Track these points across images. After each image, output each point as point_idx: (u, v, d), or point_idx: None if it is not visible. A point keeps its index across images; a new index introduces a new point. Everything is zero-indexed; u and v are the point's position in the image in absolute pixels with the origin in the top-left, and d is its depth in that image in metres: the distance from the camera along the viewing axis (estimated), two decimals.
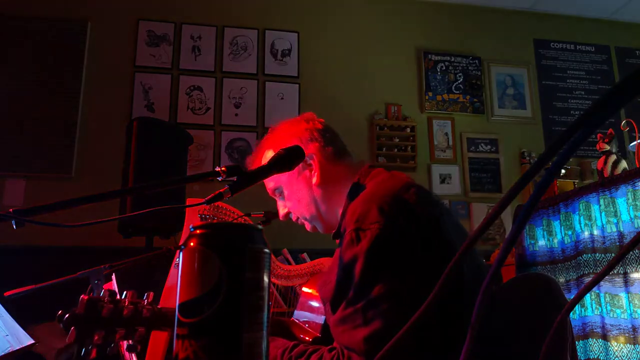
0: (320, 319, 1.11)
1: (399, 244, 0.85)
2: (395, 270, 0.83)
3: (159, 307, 0.70)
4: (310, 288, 1.27)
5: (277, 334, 1.13)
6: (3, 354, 1.21)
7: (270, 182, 1.16)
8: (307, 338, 1.08)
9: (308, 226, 1.18)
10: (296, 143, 1.08)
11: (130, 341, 0.69)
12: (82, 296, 0.64)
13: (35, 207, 0.70)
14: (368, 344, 0.81)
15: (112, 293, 0.66)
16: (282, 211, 1.19)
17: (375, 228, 0.85)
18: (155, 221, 2.37)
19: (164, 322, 0.68)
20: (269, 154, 1.15)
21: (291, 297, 1.84)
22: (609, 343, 1.76)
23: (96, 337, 0.63)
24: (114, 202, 2.41)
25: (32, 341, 1.36)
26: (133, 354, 0.99)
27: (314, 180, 1.09)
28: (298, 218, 1.18)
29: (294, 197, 1.14)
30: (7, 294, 1.26)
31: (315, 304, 1.18)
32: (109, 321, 0.64)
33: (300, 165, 1.08)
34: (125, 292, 0.69)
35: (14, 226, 0.68)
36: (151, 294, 0.71)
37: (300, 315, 1.22)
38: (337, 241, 1.04)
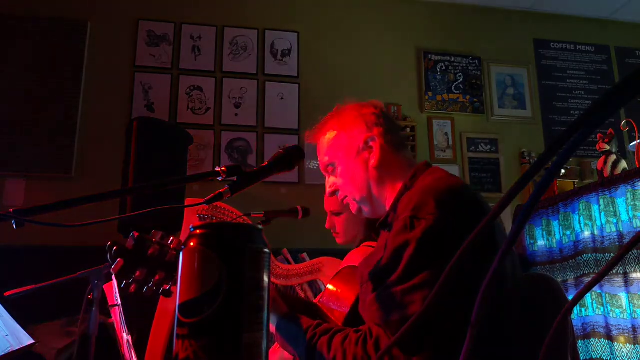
0: (345, 309, 1.12)
1: (450, 238, 0.86)
2: (443, 263, 0.84)
3: None
4: (338, 282, 1.27)
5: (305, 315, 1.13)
6: (3, 353, 1.21)
7: (325, 156, 1.18)
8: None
9: (354, 207, 1.17)
10: (361, 125, 1.13)
11: (167, 286, 0.71)
12: (133, 232, 0.66)
13: (35, 207, 0.70)
14: (401, 327, 0.82)
15: (162, 235, 0.68)
16: (329, 188, 1.20)
17: (430, 219, 0.87)
18: (155, 221, 2.37)
19: None
20: (331, 135, 1.17)
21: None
22: (612, 343, 1.76)
23: (138, 273, 0.65)
24: (114, 202, 2.41)
25: (32, 341, 1.36)
26: (132, 351, 1.00)
27: (372, 162, 1.10)
28: (345, 197, 1.18)
29: (348, 175, 1.14)
30: (7, 294, 1.26)
31: (341, 297, 1.19)
32: (152, 262, 0.65)
33: (361, 145, 1.12)
34: (172, 238, 0.71)
35: (14, 226, 0.68)
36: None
37: (325, 304, 1.22)
38: (377, 234, 1.05)
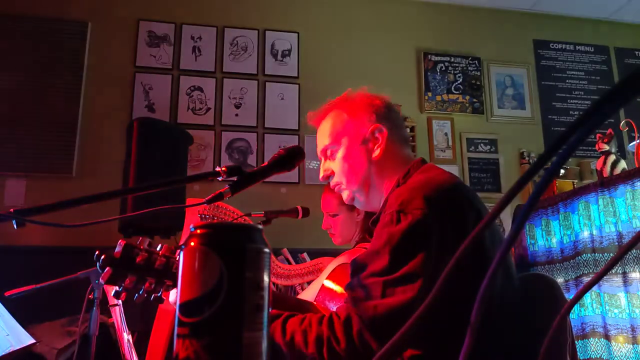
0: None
1: (436, 235, 0.86)
2: (426, 258, 0.84)
3: None
4: (333, 280, 1.27)
5: (301, 312, 1.13)
6: (4, 353, 1.21)
7: (327, 138, 1.14)
8: None
9: (348, 196, 1.15)
10: (370, 114, 1.12)
11: (158, 293, 0.70)
12: (120, 240, 0.66)
13: (35, 207, 0.70)
14: (375, 313, 0.82)
15: (150, 242, 0.68)
16: (323, 172, 1.17)
17: (417, 213, 0.87)
18: (156, 221, 2.37)
19: None
20: (338, 118, 1.14)
21: None
22: (610, 342, 1.76)
23: (127, 281, 0.65)
24: (114, 202, 2.41)
25: (33, 341, 1.37)
26: (132, 351, 1.00)
27: (376, 152, 1.10)
28: (338, 184, 1.15)
29: (349, 161, 1.12)
30: (7, 294, 1.27)
31: (334, 295, 1.19)
32: (141, 268, 0.65)
33: (367, 135, 1.11)
34: (160, 245, 0.71)
35: (15, 226, 0.68)
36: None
37: (320, 301, 1.22)
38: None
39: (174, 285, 0.71)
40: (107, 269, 0.64)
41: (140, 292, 0.69)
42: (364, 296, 0.85)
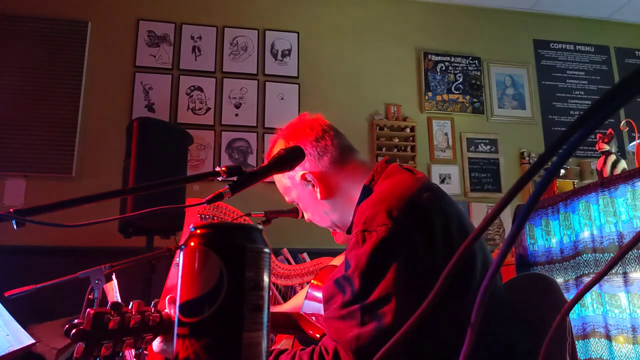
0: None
1: (404, 249, 0.84)
2: (398, 276, 0.82)
3: (165, 312, 0.70)
4: (319, 281, 1.28)
5: (287, 328, 1.13)
6: (4, 353, 1.21)
7: (286, 196, 1.18)
8: (317, 335, 1.08)
9: (329, 229, 1.19)
10: (294, 164, 1.10)
11: (138, 350, 0.69)
12: (88, 310, 0.64)
13: (35, 207, 0.70)
14: (359, 344, 0.80)
15: (117, 306, 0.66)
16: (306, 216, 1.21)
17: (381, 230, 0.84)
18: (156, 221, 2.37)
19: (170, 328, 0.68)
20: (278, 177, 1.17)
21: (291, 297, 1.84)
22: (611, 342, 1.76)
23: (103, 350, 0.63)
24: (114, 202, 2.41)
25: (32, 341, 1.36)
26: (133, 352, 1.00)
27: (318, 195, 1.09)
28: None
29: (308, 210, 1.17)
30: (7, 294, 1.26)
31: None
32: (116, 333, 0.64)
33: (303, 181, 1.10)
34: (131, 303, 0.69)
35: (15, 226, 0.68)
36: (158, 300, 0.71)
37: (309, 307, 1.22)
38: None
39: (155, 338, 0.70)
40: (78, 345, 0.62)
41: (120, 355, 0.67)
42: (344, 327, 0.83)
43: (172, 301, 0.69)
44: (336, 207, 1.10)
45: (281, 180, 1.17)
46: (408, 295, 0.81)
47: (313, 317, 1.14)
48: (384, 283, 0.82)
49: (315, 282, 1.28)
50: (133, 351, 1.10)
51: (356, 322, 0.82)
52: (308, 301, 1.24)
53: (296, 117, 1.20)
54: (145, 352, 0.71)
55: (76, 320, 0.64)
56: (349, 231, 1.08)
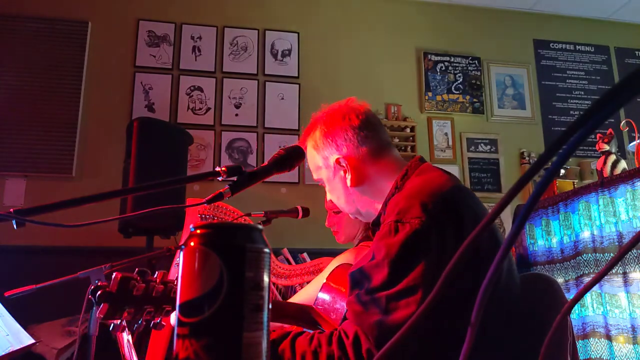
0: (343, 309, 1.11)
1: (436, 243, 0.84)
2: (427, 268, 0.83)
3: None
4: (334, 282, 1.27)
5: (297, 320, 1.12)
6: (4, 353, 1.21)
7: (313, 173, 1.21)
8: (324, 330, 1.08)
9: (350, 215, 1.21)
10: (331, 146, 1.12)
11: (158, 319, 0.69)
12: (115, 273, 0.64)
13: (35, 207, 0.70)
14: (381, 331, 0.81)
15: (143, 273, 0.67)
16: (328, 197, 1.22)
17: (415, 223, 0.85)
18: (156, 221, 2.37)
19: None
20: (311, 154, 1.18)
21: (291, 297, 1.84)
22: (611, 342, 1.76)
23: (125, 314, 0.64)
24: (114, 202, 2.41)
25: (33, 341, 1.37)
26: (132, 351, 1.00)
27: (348, 182, 1.10)
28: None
29: (334, 193, 1.17)
30: (7, 294, 1.26)
31: (338, 294, 1.18)
32: (139, 300, 0.64)
33: (335, 165, 1.11)
34: (157, 272, 0.70)
35: (15, 226, 0.68)
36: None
37: (322, 302, 1.21)
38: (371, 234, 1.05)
39: (173, 309, 0.71)
40: (102, 304, 0.62)
41: (140, 322, 0.68)
42: (368, 313, 0.84)
43: None
44: (363, 197, 1.11)
45: (314, 157, 1.18)
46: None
47: (331, 314, 1.15)
48: (413, 274, 0.83)
49: (330, 283, 1.27)
50: (130, 338, 1.10)
51: (380, 309, 0.83)
52: (322, 293, 1.24)
53: (343, 100, 1.19)
54: (162, 322, 0.71)
55: (99, 282, 0.64)
56: (375, 223, 1.09)
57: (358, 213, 1.16)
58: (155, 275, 0.69)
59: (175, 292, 0.68)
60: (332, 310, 1.17)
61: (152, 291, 0.66)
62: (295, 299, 1.49)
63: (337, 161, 1.10)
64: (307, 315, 1.13)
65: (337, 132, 1.12)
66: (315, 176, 1.20)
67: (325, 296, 1.23)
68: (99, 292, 0.62)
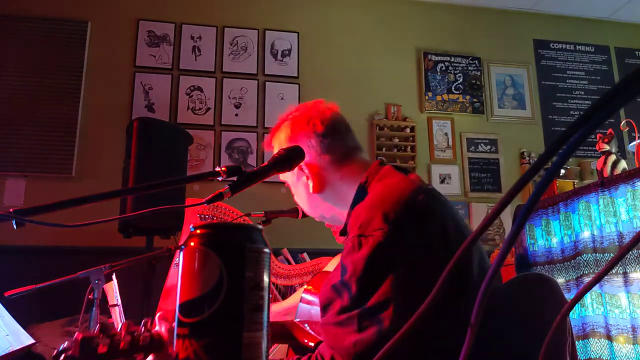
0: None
1: (401, 254, 0.83)
2: (395, 281, 0.81)
3: (155, 331, 0.69)
4: (312, 287, 1.27)
5: (281, 338, 1.12)
6: (3, 353, 1.21)
7: (280, 176, 1.16)
8: (310, 343, 1.08)
9: (316, 219, 1.20)
10: (309, 138, 1.09)
11: None
12: (76, 334, 0.63)
13: (35, 207, 0.70)
14: (357, 350, 0.79)
15: (105, 328, 0.65)
16: (294, 198, 1.22)
17: (378, 235, 0.83)
18: (156, 221, 2.37)
19: (161, 346, 0.68)
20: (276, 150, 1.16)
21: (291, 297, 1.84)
22: (611, 342, 1.76)
23: None
24: (114, 202, 2.41)
25: (32, 341, 1.36)
26: None
27: (310, 188, 1.08)
28: None
29: (298, 198, 1.16)
30: (7, 294, 1.26)
31: (317, 304, 1.18)
32: (106, 356, 0.63)
33: (299, 170, 1.09)
34: (120, 324, 0.68)
35: (14, 226, 0.68)
36: (149, 319, 0.70)
37: (302, 314, 1.21)
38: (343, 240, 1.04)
39: (145, 358, 0.70)
40: None
41: None
42: (342, 333, 0.82)
43: (162, 319, 0.69)
44: (326, 203, 1.10)
45: None
46: (406, 300, 0.80)
47: (306, 325, 1.14)
48: (382, 289, 0.81)
49: (309, 287, 1.27)
50: None
51: (354, 328, 0.81)
52: (303, 305, 1.24)
53: (312, 102, 1.15)
54: None
55: (64, 345, 0.62)
56: (342, 232, 1.08)
57: (323, 218, 1.15)
58: (120, 328, 0.68)
59: (144, 340, 0.67)
60: (312, 318, 1.16)
61: (119, 344, 0.65)
62: (289, 302, 1.49)
63: (300, 167, 1.07)
64: (289, 333, 1.13)
65: (300, 138, 1.09)
66: (281, 177, 1.16)
67: (305, 303, 1.22)
68: (61, 358, 0.60)
